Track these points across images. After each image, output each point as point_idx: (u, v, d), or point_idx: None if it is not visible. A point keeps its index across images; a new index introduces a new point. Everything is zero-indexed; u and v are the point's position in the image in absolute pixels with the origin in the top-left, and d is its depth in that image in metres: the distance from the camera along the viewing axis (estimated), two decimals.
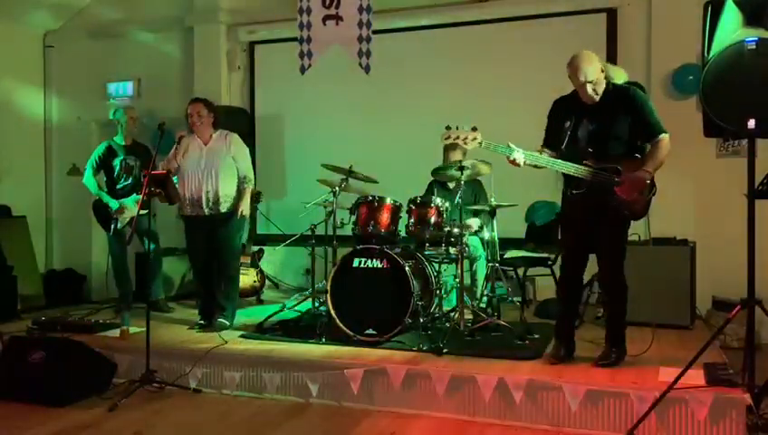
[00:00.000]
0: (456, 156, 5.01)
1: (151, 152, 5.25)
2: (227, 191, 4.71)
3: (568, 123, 3.61)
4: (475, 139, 3.51)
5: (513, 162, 3.49)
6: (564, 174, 3.62)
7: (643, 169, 3.48)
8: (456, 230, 4.37)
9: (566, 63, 3.57)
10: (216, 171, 4.67)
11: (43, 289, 6.59)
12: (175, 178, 4.76)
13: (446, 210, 4.51)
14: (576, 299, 3.85)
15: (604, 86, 3.56)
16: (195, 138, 4.77)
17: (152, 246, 5.55)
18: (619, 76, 3.71)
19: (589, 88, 3.51)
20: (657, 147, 3.53)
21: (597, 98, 3.54)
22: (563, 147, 3.60)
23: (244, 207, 4.78)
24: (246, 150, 4.93)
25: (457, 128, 3.54)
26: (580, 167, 3.51)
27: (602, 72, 3.54)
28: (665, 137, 3.52)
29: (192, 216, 4.76)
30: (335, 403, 3.77)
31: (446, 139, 3.54)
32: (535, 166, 3.57)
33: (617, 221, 3.58)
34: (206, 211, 4.68)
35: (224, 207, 4.70)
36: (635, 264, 4.71)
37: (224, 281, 4.80)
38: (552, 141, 3.71)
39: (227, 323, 4.73)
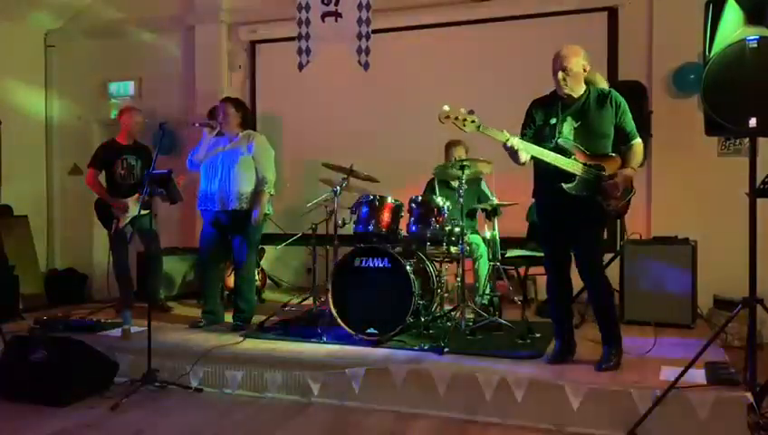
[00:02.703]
0: (458, 152, 5.03)
1: (152, 152, 5.26)
2: (241, 189, 4.70)
3: (554, 120, 3.61)
4: (473, 121, 3.46)
5: (510, 149, 3.45)
6: (544, 169, 3.59)
7: (629, 167, 3.55)
8: (457, 229, 4.37)
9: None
10: (232, 168, 4.70)
11: (44, 288, 6.60)
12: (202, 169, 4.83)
13: (448, 209, 4.51)
14: (567, 298, 3.82)
15: (579, 84, 3.58)
16: (223, 135, 4.81)
17: (153, 246, 5.57)
18: (600, 82, 3.72)
19: (560, 75, 3.53)
20: (633, 150, 3.60)
21: (566, 90, 3.56)
22: (552, 142, 3.57)
23: (260, 211, 4.73)
24: (270, 153, 4.88)
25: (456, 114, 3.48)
26: (571, 160, 3.52)
27: (585, 71, 3.57)
28: (639, 141, 3.61)
29: (205, 210, 4.80)
30: (336, 402, 3.76)
31: (444, 118, 3.46)
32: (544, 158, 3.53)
33: (598, 218, 3.60)
34: (218, 206, 4.71)
35: (235, 205, 4.69)
36: (636, 263, 4.75)
37: (239, 281, 4.80)
38: (533, 138, 3.65)
39: (244, 325, 4.71)
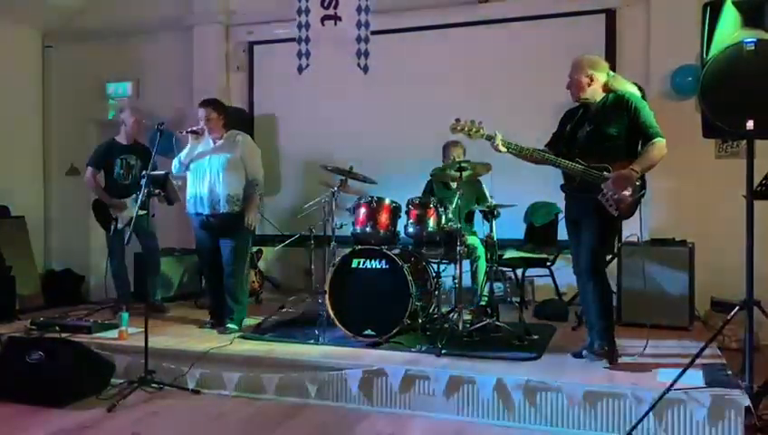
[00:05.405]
0: (456, 151, 5.03)
1: (152, 153, 5.25)
2: (231, 192, 4.65)
3: (569, 126, 3.80)
4: (477, 131, 3.73)
5: (496, 148, 3.72)
6: (562, 172, 3.76)
7: (630, 167, 3.53)
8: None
9: (570, 64, 3.79)
10: (220, 170, 4.64)
11: (41, 289, 6.58)
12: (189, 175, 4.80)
13: (446, 210, 4.51)
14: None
15: (585, 92, 3.73)
16: (206, 137, 4.77)
17: (150, 247, 5.56)
18: (622, 85, 3.79)
19: (567, 83, 3.77)
20: (648, 149, 3.59)
21: (574, 97, 3.79)
22: (561, 145, 3.80)
23: (251, 215, 4.72)
24: (257, 153, 4.86)
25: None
26: (561, 160, 3.66)
27: (591, 80, 3.70)
28: (659, 141, 3.57)
29: (195, 214, 4.76)
30: (334, 404, 3.76)
31: (453, 129, 3.79)
32: (517, 154, 3.75)
33: (599, 217, 3.62)
34: (208, 210, 4.67)
35: (226, 208, 4.63)
36: (634, 264, 4.75)
37: (231, 284, 4.76)
38: (552, 142, 3.91)
39: (235, 326, 4.68)
